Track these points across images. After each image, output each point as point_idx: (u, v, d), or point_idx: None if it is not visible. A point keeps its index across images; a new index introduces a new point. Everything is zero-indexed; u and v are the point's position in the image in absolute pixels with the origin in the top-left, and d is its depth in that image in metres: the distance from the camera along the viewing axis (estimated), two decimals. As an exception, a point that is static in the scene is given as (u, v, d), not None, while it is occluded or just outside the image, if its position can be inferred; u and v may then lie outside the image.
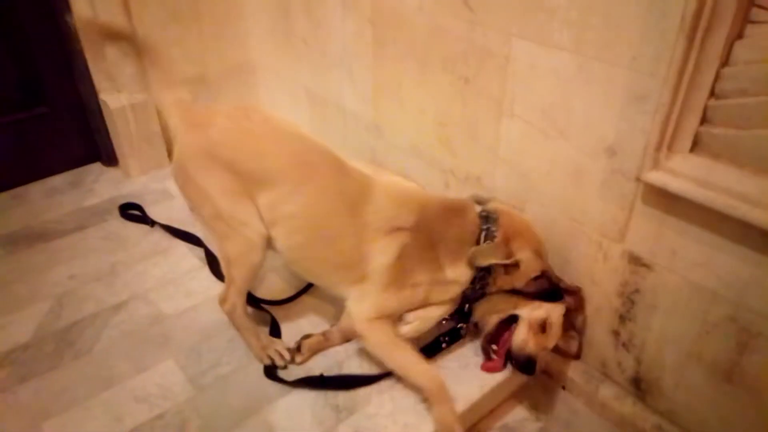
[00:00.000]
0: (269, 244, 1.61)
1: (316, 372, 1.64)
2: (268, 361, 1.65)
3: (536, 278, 1.61)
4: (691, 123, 1.27)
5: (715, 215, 1.26)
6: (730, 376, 1.41)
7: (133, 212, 2.31)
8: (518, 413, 1.71)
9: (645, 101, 1.32)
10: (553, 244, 1.68)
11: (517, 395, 1.76)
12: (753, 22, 1.15)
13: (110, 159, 2.62)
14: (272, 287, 1.96)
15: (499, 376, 1.64)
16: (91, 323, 1.80)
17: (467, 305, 1.64)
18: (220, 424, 1.50)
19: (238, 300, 1.64)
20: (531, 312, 1.60)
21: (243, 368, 1.65)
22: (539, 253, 1.59)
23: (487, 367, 1.64)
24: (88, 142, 2.60)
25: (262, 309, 1.82)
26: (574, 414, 1.73)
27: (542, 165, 1.67)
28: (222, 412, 1.53)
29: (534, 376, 1.59)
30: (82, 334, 1.77)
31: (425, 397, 1.55)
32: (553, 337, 1.62)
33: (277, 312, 1.83)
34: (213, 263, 2.01)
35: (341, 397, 1.58)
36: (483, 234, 1.55)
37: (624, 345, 1.64)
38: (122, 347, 1.72)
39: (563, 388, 1.79)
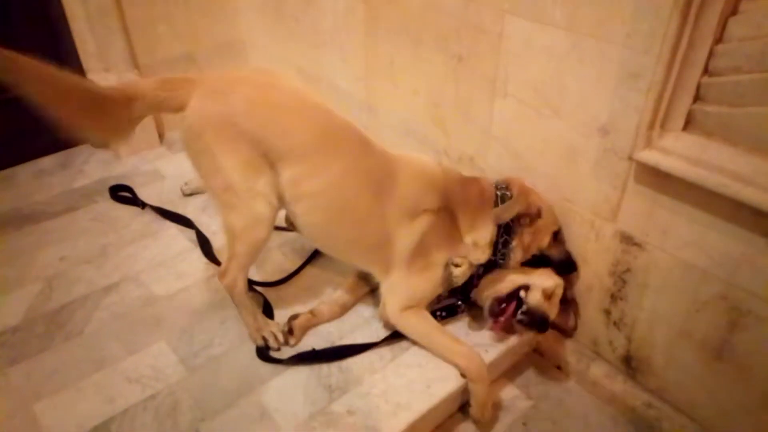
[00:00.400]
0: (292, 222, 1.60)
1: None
2: (261, 343, 1.64)
3: (556, 238, 1.65)
4: (685, 101, 1.26)
5: (707, 194, 1.26)
6: (720, 353, 1.42)
7: (123, 194, 2.28)
8: (510, 392, 1.72)
9: (639, 79, 1.30)
10: (546, 224, 1.68)
11: (509, 374, 1.76)
12: (748, -2, 1.13)
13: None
14: (266, 266, 1.95)
15: (490, 356, 1.65)
16: (82, 305, 1.79)
17: (474, 279, 1.69)
18: (212, 405, 1.50)
19: (239, 275, 1.59)
20: (543, 280, 1.63)
21: (235, 349, 1.65)
22: (553, 210, 1.64)
23: (495, 327, 1.65)
24: (77, 122, 2.56)
25: (254, 290, 1.81)
26: (566, 392, 1.74)
27: (535, 144, 1.66)
28: (214, 393, 1.53)
29: (542, 334, 1.65)
30: (73, 316, 1.76)
31: (464, 375, 1.57)
32: (554, 309, 1.65)
33: (268, 293, 1.82)
34: (205, 245, 2.00)
35: (334, 377, 1.58)
36: (499, 196, 1.61)
37: (615, 324, 1.64)
38: (113, 329, 1.72)
39: (558, 368, 1.80)
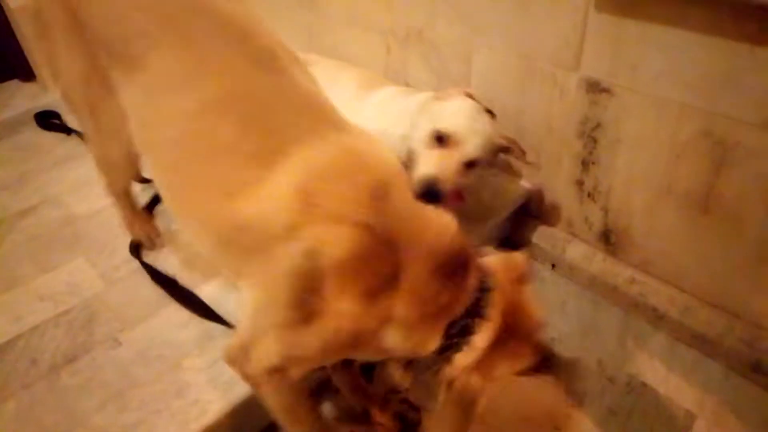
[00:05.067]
0: None
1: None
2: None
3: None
4: None
5: (678, 4, 1.04)
6: (706, 205, 1.22)
7: (51, 121, 2.08)
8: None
9: None
10: (506, 98, 1.49)
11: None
12: None
13: (27, 74, 2.37)
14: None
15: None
16: (-6, 231, 1.60)
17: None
18: (133, 315, 1.32)
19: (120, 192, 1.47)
20: None
21: (161, 260, 1.46)
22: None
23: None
24: (2, 58, 2.35)
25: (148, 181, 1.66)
26: (540, 281, 1.55)
27: (484, -4, 1.44)
28: (135, 304, 1.35)
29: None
30: (-16, 242, 1.57)
31: None
32: None
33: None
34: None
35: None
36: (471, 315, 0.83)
37: (589, 195, 1.45)
38: (27, 250, 1.53)
39: (553, 266, 1.58)
